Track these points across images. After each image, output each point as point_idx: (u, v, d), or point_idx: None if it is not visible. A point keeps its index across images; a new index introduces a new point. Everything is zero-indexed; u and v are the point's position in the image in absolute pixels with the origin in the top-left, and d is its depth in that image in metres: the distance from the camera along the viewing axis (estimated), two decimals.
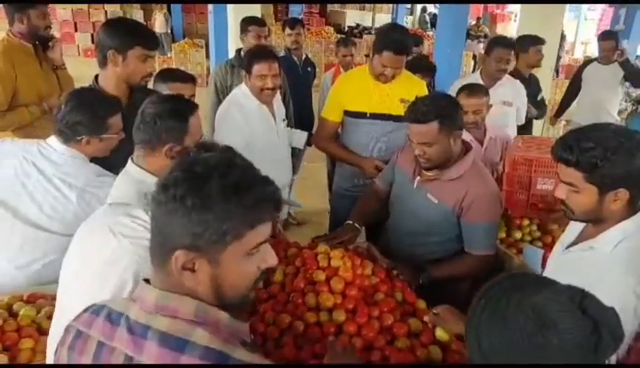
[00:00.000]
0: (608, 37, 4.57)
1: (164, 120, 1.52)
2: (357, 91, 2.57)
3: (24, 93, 2.75)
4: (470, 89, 2.67)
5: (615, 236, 1.37)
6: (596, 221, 1.44)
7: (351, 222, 2.19)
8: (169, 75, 2.43)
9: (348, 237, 2.12)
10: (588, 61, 4.97)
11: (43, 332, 1.55)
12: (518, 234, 2.43)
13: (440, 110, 1.86)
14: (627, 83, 4.73)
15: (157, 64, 9.02)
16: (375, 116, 2.56)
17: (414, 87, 2.58)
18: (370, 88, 2.54)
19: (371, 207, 2.33)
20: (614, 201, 1.34)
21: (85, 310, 0.94)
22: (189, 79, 2.45)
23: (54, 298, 1.72)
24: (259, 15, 6.37)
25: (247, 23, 3.58)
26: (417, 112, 1.88)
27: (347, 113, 2.63)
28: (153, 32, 2.17)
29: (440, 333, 1.56)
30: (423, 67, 3.37)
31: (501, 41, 3.29)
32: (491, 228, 2.02)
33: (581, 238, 1.52)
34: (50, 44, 2.95)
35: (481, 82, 3.17)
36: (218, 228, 0.82)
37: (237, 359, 0.81)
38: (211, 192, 0.81)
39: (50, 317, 1.60)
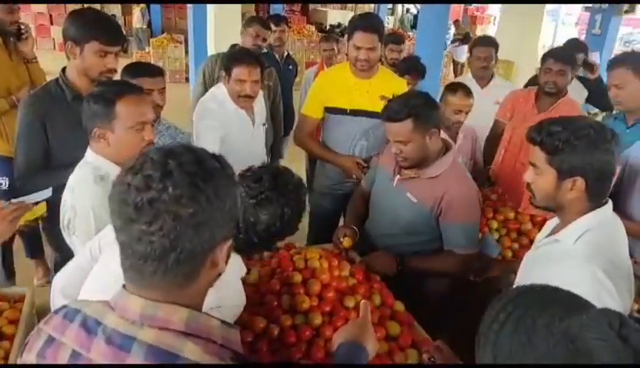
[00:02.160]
0: (574, 48, 3.43)
1: (90, 105, 1.54)
2: (338, 87, 2.56)
3: None
4: (464, 88, 2.68)
5: (577, 229, 1.39)
6: (556, 210, 1.47)
7: (353, 227, 2.14)
8: (136, 70, 2.24)
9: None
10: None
11: (2, 336, 1.47)
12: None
13: (413, 108, 1.87)
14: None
15: (135, 59, 8.86)
16: (356, 113, 2.55)
17: (393, 84, 2.59)
18: (350, 84, 2.53)
19: (362, 209, 2.32)
20: (570, 189, 1.36)
21: (56, 312, 0.86)
22: (157, 73, 2.29)
23: (16, 301, 1.65)
24: (240, 13, 6.31)
25: (251, 20, 3.53)
26: (391, 110, 1.90)
27: (327, 109, 2.61)
28: (115, 26, 2.02)
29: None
30: (414, 68, 3.35)
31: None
32: (470, 227, 2.01)
33: (550, 234, 1.54)
34: (23, 36, 2.85)
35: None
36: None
37: None
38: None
39: (11, 322, 1.53)
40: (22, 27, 2.82)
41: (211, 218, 0.78)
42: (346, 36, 2.58)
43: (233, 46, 3.62)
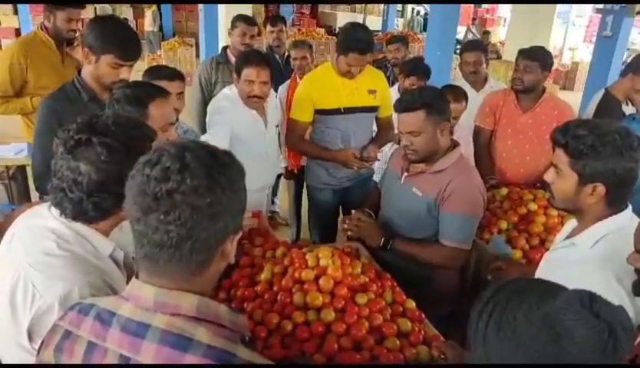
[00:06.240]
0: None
1: (122, 106, 1.56)
2: (327, 89, 2.64)
3: (34, 84, 2.86)
4: (453, 91, 2.74)
5: (594, 234, 1.38)
6: (574, 212, 1.46)
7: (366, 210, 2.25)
8: (155, 73, 2.32)
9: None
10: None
11: None
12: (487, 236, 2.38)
13: (426, 99, 1.93)
14: None
15: (146, 62, 8.95)
16: (350, 110, 2.66)
17: (376, 77, 2.78)
18: (339, 85, 2.63)
19: (376, 201, 2.38)
20: (590, 194, 1.35)
21: (71, 308, 0.90)
22: (176, 76, 2.34)
23: None
24: (250, 14, 6.35)
25: (236, 19, 3.56)
26: (405, 101, 1.96)
27: (320, 111, 2.68)
28: (133, 42, 2.02)
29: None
30: (419, 70, 3.39)
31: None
32: (467, 221, 1.99)
33: (568, 237, 1.53)
34: (75, 43, 3.05)
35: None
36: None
37: (241, 358, 0.79)
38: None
39: None
40: (75, 35, 2.99)
41: (225, 209, 0.82)
42: (333, 44, 2.59)
43: (224, 48, 3.66)
